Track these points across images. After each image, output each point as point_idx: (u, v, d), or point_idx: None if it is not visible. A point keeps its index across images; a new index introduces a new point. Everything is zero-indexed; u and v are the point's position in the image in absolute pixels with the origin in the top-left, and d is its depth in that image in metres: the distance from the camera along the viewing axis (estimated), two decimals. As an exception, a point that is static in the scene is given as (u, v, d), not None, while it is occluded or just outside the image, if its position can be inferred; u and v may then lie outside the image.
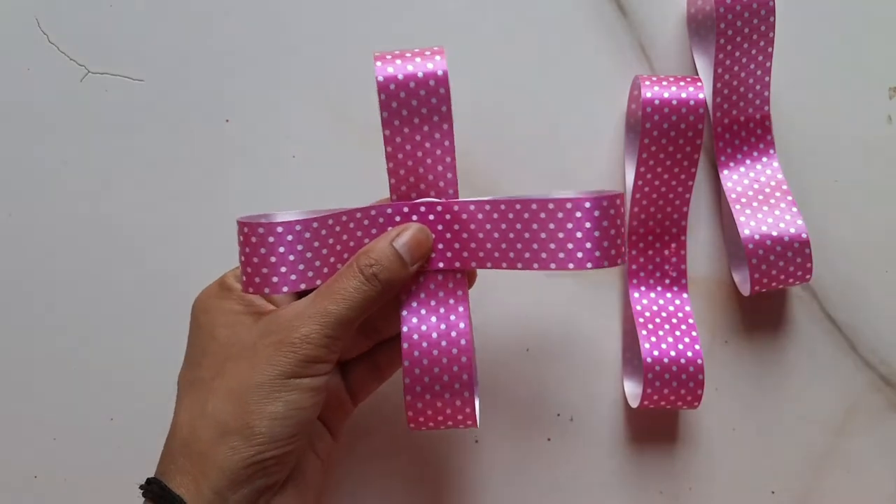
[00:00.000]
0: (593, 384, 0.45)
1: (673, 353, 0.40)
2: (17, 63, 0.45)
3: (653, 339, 0.41)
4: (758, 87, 0.43)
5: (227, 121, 0.45)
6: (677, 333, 0.41)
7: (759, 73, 0.43)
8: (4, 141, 0.45)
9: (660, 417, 0.45)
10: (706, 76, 0.44)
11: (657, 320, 0.42)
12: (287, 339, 0.34)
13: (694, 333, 0.41)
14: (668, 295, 0.43)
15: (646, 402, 0.41)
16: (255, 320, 0.36)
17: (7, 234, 0.45)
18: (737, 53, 0.42)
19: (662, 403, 0.41)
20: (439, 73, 0.36)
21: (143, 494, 0.34)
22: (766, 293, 0.44)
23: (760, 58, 0.42)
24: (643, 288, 0.43)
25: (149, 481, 0.34)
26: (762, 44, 0.42)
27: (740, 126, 0.44)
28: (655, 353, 0.40)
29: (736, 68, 0.42)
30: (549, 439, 0.44)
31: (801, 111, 0.45)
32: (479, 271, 0.39)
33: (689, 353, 0.40)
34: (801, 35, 0.45)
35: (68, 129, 0.45)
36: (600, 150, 0.45)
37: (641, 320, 0.42)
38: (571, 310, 0.45)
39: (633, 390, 0.43)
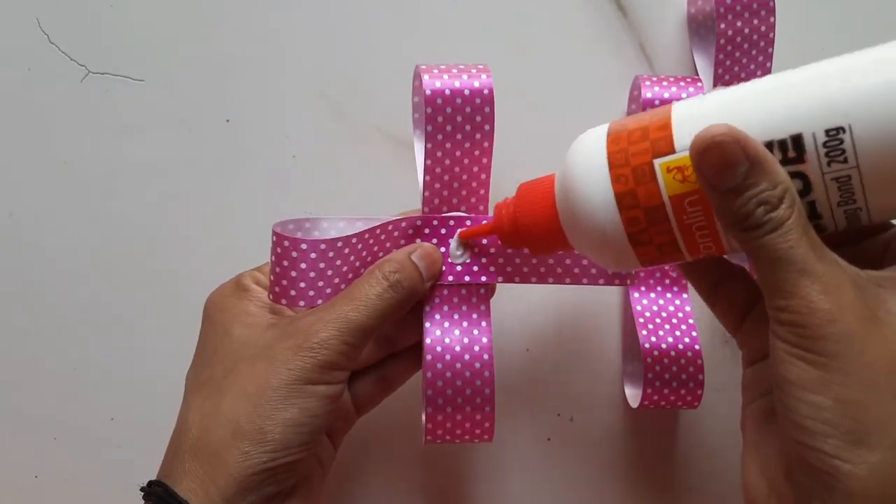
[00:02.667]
0: (593, 384, 0.45)
1: (673, 354, 0.40)
2: (18, 63, 0.45)
3: (653, 339, 0.41)
4: (758, 88, 0.43)
5: (227, 121, 0.45)
6: (677, 333, 0.41)
7: (759, 73, 0.43)
8: (4, 141, 0.45)
9: (660, 417, 0.45)
10: (706, 76, 0.44)
11: (657, 320, 0.42)
12: (306, 344, 0.33)
13: (694, 333, 0.41)
14: (668, 295, 0.43)
15: (646, 402, 0.41)
16: (274, 323, 0.35)
17: (7, 234, 0.45)
18: (737, 53, 0.42)
19: (662, 403, 0.41)
20: (485, 91, 0.36)
21: (144, 497, 0.33)
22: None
23: (760, 58, 0.42)
24: (643, 288, 0.43)
25: (151, 484, 0.33)
26: (762, 44, 0.42)
27: (740, 126, 0.44)
28: (655, 353, 0.40)
29: (736, 68, 0.42)
30: (549, 439, 0.44)
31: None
32: (497, 286, 0.39)
33: (689, 354, 0.40)
34: (801, 35, 0.45)
35: (68, 129, 0.45)
36: (600, 150, 0.45)
37: (641, 320, 0.42)
38: (571, 310, 0.45)
39: (633, 390, 0.43)
